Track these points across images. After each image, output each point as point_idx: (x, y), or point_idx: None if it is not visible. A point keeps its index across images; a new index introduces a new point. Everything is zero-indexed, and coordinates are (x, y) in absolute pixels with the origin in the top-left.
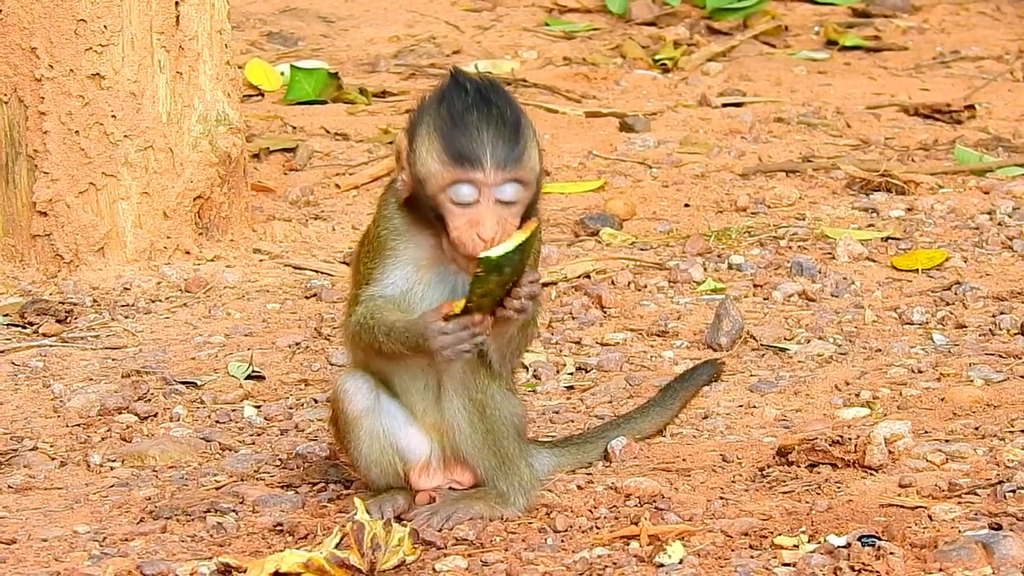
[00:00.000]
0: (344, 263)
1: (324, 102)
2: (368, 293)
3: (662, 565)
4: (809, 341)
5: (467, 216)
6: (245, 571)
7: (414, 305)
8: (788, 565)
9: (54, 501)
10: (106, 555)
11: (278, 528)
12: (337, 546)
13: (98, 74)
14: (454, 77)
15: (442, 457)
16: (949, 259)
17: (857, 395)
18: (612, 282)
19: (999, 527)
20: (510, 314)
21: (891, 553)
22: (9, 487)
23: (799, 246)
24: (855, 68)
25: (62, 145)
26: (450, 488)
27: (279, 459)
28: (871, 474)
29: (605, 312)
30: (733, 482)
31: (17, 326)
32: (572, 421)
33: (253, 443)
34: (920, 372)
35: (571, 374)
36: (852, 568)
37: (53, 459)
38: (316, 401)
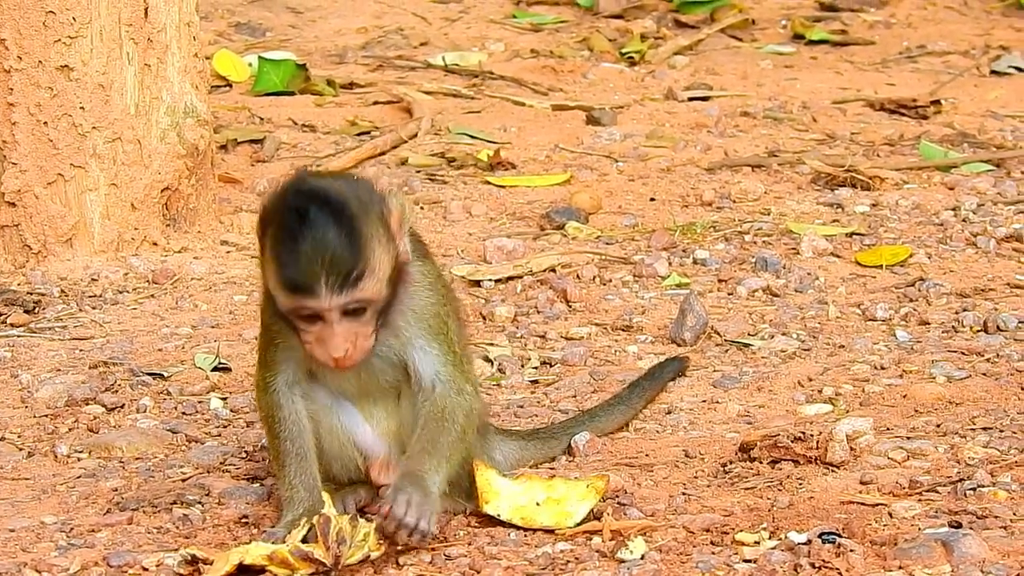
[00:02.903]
0: None
1: (292, 93)
2: (268, 379)
3: (624, 560)
4: (773, 337)
5: (315, 333)
6: (211, 563)
7: (314, 391)
8: (749, 561)
9: (21, 491)
10: (73, 546)
11: (243, 520)
12: (303, 540)
13: (67, 66)
14: (287, 195)
15: (400, 454)
16: (913, 255)
17: (820, 391)
18: (577, 276)
19: (959, 525)
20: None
21: (851, 550)
22: None
23: (764, 241)
24: (821, 62)
25: (31, 136)
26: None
27: (245, 451)
28: (832, 471)
29: (570, 306)
30: (695, 478)
31: None
32: (536, 415)
33: (219, 435)
34: (883, 369)
35: (536, 368)
36: (812, 565)
37: (20, 449)
38: None
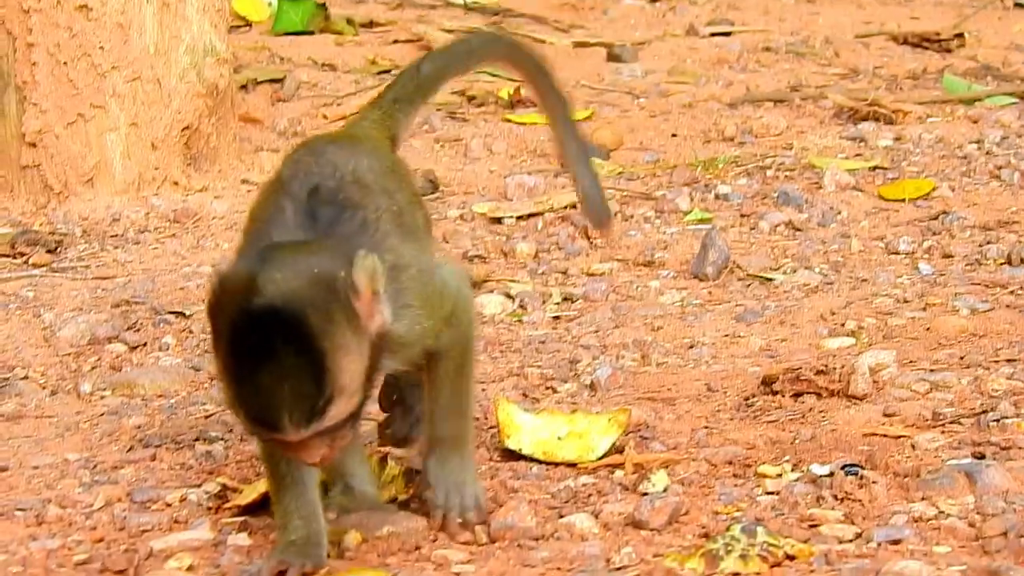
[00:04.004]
0: None
1: (311, 33)
2: None
3: (646, 493)
4: (795, 271)
5: (285, 446)
6: (241, 492)
7: None
8: (771, 494)
9: (45, 429)
10: (97, 482)
11: None
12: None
13: (85, 5)
14: (235, 313)
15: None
16: (936, 189)
17: (842, 325)
18: None
19: (982, 456)
20: None
21: (874, 482)
22: (0, 415)
23: (786, 176)
24: None
25: (50, 76)
26: None
27: None
28: (855, 404)
29: (591, 242)
30: (718, 411)
31: (7, 256)
32: (558, 351)
33: None
34: (906, 302)
35: (557, 304)
36: (835, 497)
37: (44, 388)
38: None
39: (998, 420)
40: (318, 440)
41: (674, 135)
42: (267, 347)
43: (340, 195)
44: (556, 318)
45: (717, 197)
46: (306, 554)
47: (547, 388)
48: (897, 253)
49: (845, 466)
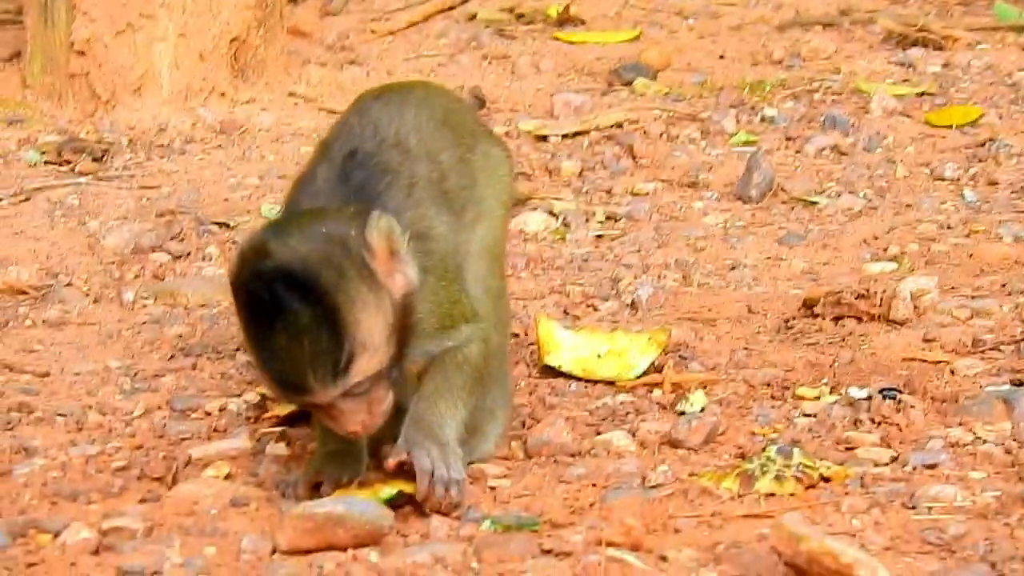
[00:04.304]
0: None
1: None
2: None
3: (684, 413)
4: (839, 195)
5: (322, 414)
6: (279, 403)
7: None
8: (809, 416)
9: (87, 336)
10: (137, 390)
11: None
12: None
13: None
14: (248, 276)
15: None
16: (984, 116)
17: (885, 249)
18: (644, 132)
19: (1021, 384)
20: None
21: (912, 406)
22: (44, 321)
23: (833, 100)
24: None
25: None
26: None
27: None
28: (895, 328)
29: (636, 162)
30: (757, 333)
31: (54, 164)
32: (600, 270)
33: None
34: (949, 228)
35: (601, 223)
36: (872, 420)
37: (87, 295)
38: None
39: None
40: (352, 404)
41: (722, 57)
42: (282, 308)
43: (376, 159)
44: (599, 236)
45: (763, 120)
46: (344, 465)
47: (588, 306)
48: (942, 179)
49: (883, 390)
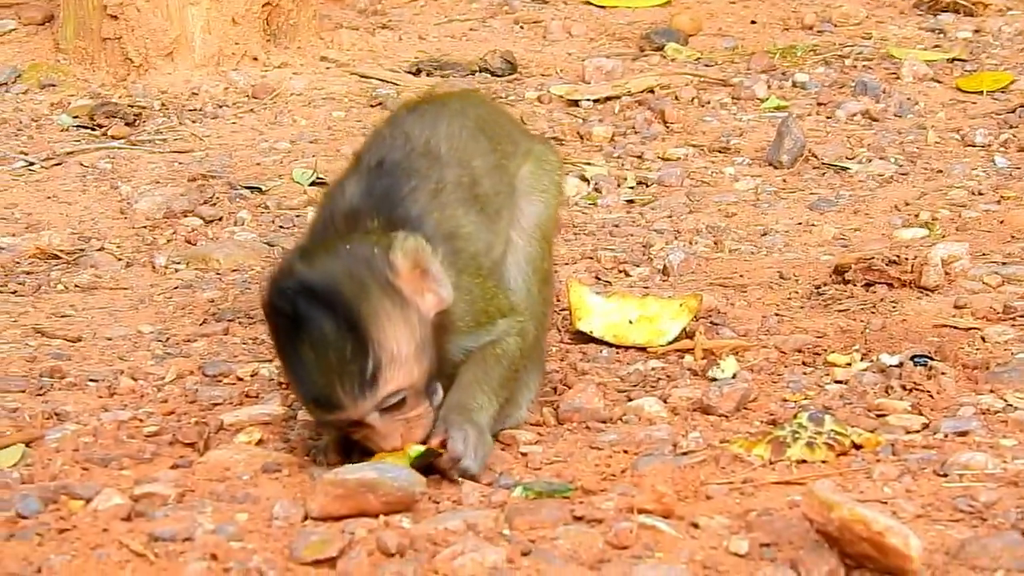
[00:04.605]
0: (410, 72)
1: None
2: None
3: (715, 379)
4: (870, 161)
5: (363, 434)
6: None
7: None
8: (840, 382)
9: (119, 301)
10: (169, 355)
11: None
12: None
13: None
14: (274, 295)
15: None
16: (1014, 82)
17: (916, 216)
18: (676, 97)
19: None
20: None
21: (943, 373)
22: (76, 286)
23: (864, 65)
24: None
25: None
26: None
27: None
28: (926, 295)
29: (668, 127)
30: (789, 299)
31: (86, 128)
32: (631, 235)
33: None
34: (980, 194)
35: (632, 188)
36: (903, 387)
37: (119, 260)
38: None
39: None
40: (390, 422)
41: (753, 22)
42: (305, 321)
43: (402, 166)
44: (630, 202)
45: (794, 85)
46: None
47: (619, 271)
48: (973, 145)
49: (914, 357)
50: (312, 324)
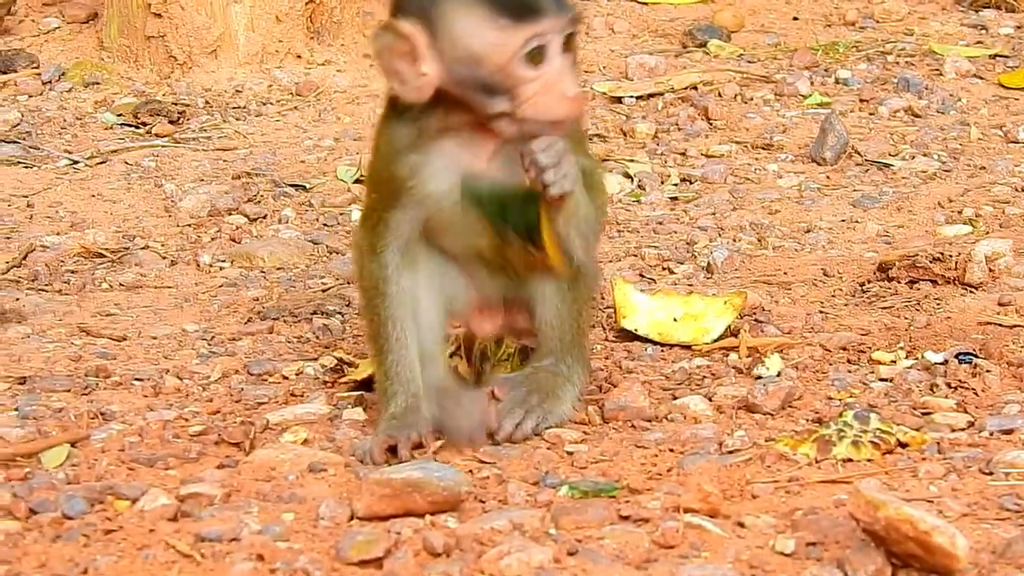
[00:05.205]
0: None
1: None
2: (379, 243)
3: (760, 377)
4: (913, 157)
5: (542, 79)
6: (356, 367)
7: (422, 257)
8: (885, 380)
9: (164, 299)
10: (214, 354)
11: None
12: (451, 355)
13: None
14: None
15: (500, 297)
16: None
17: (960, 212)
18: (719, 94)
19: None
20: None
21: (988, 371)
22: (120, 285)
23: (906, 62)
24: None
25: None
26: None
27: None
28: (971, 291)
29: (711, 124)
30: (833, 296)
31: (130, 126)
32: (675, 232)
33: None
34: (1023, 191)
35: (675, 185)
36: (948, 385)
37: (164, 258)
38: None
39: None
40: (565, 56)
41: (795, 18)
42: None
43: None
44: (674, 199)
45: (837, 82)
46: (409, 424)
47: (664, 269)
48: (1016, 142)
49: (959, 354)
50: None
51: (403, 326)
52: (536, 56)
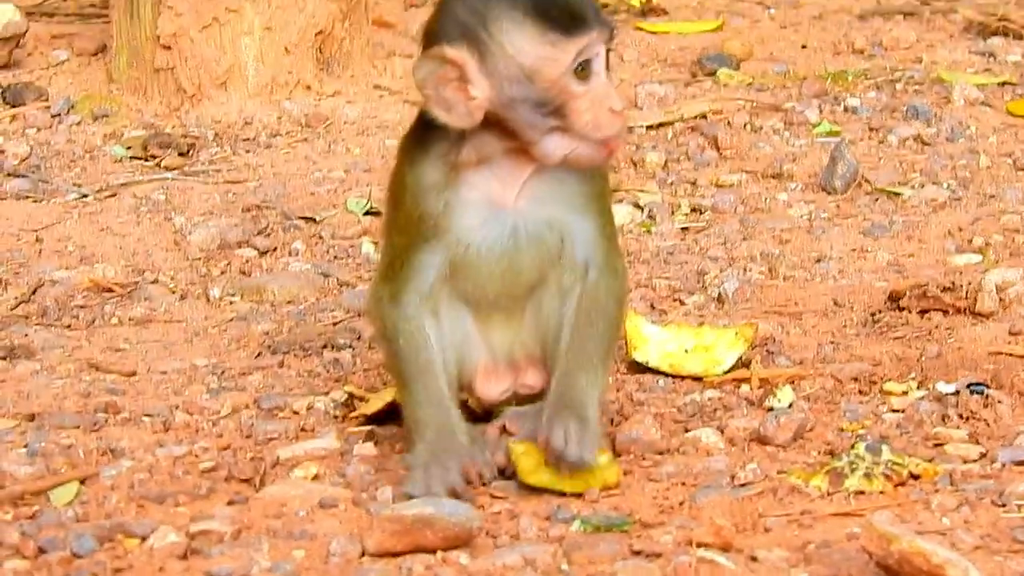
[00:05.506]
0: None
1: None
2: (398, 291)
3: (772, 409)
4: (923, 186)
5: (590, 94)
6: (367, 401)
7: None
8: (897, 411)
9: (173, 334)
10: (224, 388)
11: None
12: None
13: None
14: None
15: (509, 358)
16: None
17: (970, 241)
18: (728, 123)
19: None
20: None
21: (999, 401)
22: (130, 319)
23: (915, 90)
24: None
25: None
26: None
27: None
28: (982, 321)
29: (721, 153)
30: (844, 326)
31: (140, 159)
32: (686, 262)
33: (370, 279)
34: None
35: (686, 215)
36: (960, 415)
37: (173, 292)
38: None
39: None
40: (604, 79)
41: (804, 46)
42: None
43: None
44: (684, 229)
45: (846, 110)
46: (469, 454)
47: (674, 300)
48: None
49: (971, 384)
50: None
51: (426, 355)
52: (583, 71)
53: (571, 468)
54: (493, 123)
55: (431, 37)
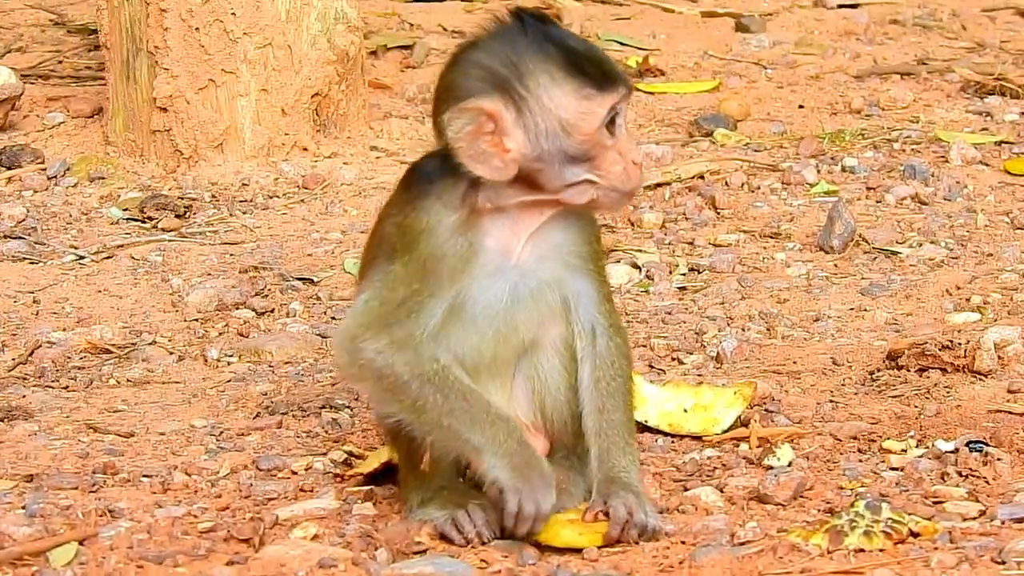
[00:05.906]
0: None
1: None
2: (411, 336)
3: (771, 467)
4: (921, 245)
5: (616, 147)
6: (366, 460)
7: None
8: (896, 469)
9: (172, 395)
10: (222, 449)
11: None
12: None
13: None
14: (516, 18)
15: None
16: None
17: (968, 300)
18: (726, 183)
19: None
20: None
21: (998, 459)
22: (128, 380)
23: (912, 149)
24: None
25: (182, 42)
26: None
27: None
28: (980, 379)
29: (718, 213)
30: (843, 385)
31: (136, 221)
32: (684, 322)
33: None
34: None
35: (684, 275)
36: (959, 473)
37: (171, 353)
38: None
39: None
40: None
41: (801, 106)
42: (557, 25)
43: None
44: (682, 289)
45: (843, 169)
46: (530, 482)
47: (673, 359)
48: (1023, 228)
49: (970, 442)
50: (559, 29)
51: (471, 384)
52: (611, 125)
53: (641, 534)
54: (517, 175)
55: (456, 91)
